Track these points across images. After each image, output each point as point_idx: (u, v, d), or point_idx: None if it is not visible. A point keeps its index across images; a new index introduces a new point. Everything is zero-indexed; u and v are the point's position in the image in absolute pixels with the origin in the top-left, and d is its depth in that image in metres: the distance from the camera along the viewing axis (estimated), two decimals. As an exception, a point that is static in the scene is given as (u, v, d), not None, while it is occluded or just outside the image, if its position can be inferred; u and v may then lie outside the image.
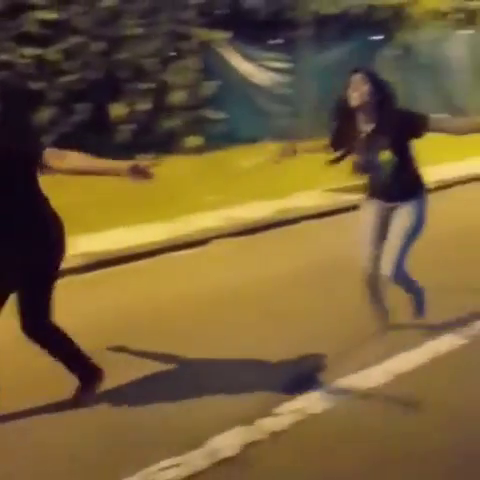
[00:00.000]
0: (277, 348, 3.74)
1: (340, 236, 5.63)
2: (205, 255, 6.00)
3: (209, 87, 10.78)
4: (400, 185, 3.67)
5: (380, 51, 12.46)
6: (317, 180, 7.73)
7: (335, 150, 3.78)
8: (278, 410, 3.04)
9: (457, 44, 14.20)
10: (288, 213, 7.10)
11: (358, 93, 3.52)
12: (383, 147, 3.58)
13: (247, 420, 2.94)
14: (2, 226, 2.91)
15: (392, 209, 3.75)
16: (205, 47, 10.90)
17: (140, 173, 2.78)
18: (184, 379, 3.48)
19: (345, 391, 3.23)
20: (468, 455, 2.68)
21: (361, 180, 3.83)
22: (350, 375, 3.34)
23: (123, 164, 2.82)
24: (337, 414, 3.03)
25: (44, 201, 3.05)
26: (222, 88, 10.81)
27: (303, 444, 2.82)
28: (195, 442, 2.76)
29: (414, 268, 3.75)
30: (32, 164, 2.89)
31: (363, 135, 3.64)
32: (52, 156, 2.85)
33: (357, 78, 3.55)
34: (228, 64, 10.98)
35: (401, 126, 3.57)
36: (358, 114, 3.61)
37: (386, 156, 3.58)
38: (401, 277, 3.75)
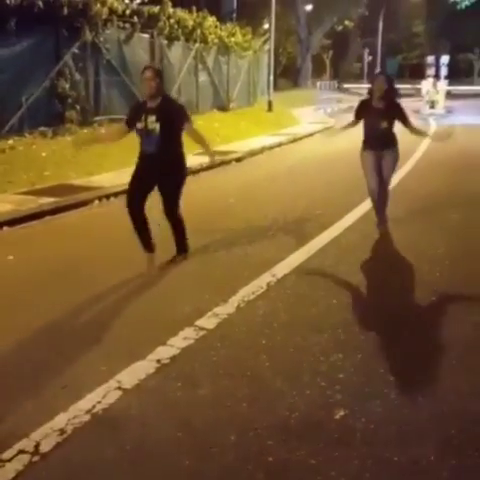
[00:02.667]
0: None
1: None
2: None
3: None
4: (385, 140, 6.43)
5: (67, 48, 12.08)
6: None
7: (357, 119, 6.58)
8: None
9: (139, 46, 14.62)
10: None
11: (379, 89, 6.29)
12: (384, 118, 6.33)
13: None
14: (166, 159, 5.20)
15: (381, 154, 6.46)
16: None
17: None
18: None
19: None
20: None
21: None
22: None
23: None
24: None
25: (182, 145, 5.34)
26: None
27: None
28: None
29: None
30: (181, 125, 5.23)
31: (376, 109, 6.35)
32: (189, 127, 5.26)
33: (380, 79, 6.42)
34: None
35: (395, 109, 6.42)
36: (374, 98, 6.38)
37: (385, 123, 6.34)
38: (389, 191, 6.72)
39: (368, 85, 25.67)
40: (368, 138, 6.54)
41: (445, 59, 30.17)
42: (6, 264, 5.54)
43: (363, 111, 6.54)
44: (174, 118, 5.18)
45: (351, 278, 5.09)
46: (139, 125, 5.17)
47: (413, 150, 12.43)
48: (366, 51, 47.48)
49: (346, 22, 50.48)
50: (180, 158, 5.33)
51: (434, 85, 27.75)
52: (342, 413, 3.03)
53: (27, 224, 6.99)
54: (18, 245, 6.24)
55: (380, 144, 6.45)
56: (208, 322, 4.12)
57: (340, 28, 50.87)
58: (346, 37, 53.14)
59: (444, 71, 29.52)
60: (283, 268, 5.29)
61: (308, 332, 4.02)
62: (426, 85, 28.37)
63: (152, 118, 5.08)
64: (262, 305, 4.47)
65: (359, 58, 53.63)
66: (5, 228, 6.78)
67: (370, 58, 47.84)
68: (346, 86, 43.12)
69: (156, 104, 5.13)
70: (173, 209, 5.37)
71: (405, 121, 6.45)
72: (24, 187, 8.43)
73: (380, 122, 6.34)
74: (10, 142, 10.54)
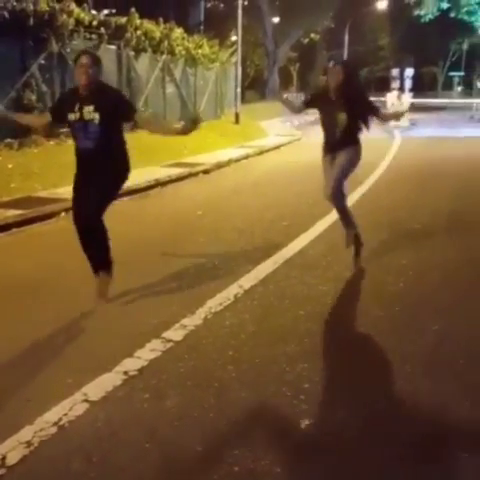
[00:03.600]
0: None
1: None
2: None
3: None
4: (344, 140, 5.44)
5: (33, 58, 12.01)
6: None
7: (307, 106, 5.84)
8: None
9: (106, 58, 14.58)
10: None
11: (335, 80, 5.34)
12: (342, 111, 5.33)
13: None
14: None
15: (336, 154, 5.50)
16: None
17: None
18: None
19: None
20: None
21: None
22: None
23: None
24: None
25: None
26: None
27: None
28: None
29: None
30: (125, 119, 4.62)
31: (333, 101, 5.38)
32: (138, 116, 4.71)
33: (335, 69, 5.40)
34: None
35: (358, 100, 5.43)
36: (331, 91, 5.40)
37: (343, 117, 5.34)
38: (337, 197, 5.57)
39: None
40: (326, 139, 5.62)
41: (409, 72, 30.82)
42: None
43: (318, 101, 5.64)
44: (116, 107, 4.45)
45: (317, 289, 5.17)
46: (72, 116, 4.44)
47: (376, 164, 12.65)
48: (332, 63, 48.19)
49: (312, 35, 51.10)
50: (123, 155, 4.64)
51: (399, 98, 28.33)
52: (307, 422, 3.09)
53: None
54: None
55: (338, 145, 5.51)
56: (175, 334, 4.15)
57: (306, 41, 51.48)
58: (313, 50, 53.78)
59: (408, 84, 30.16)
60: (250, 279, 5.34)
61: (274, 342, 4.07)
62: (391, 98, 28.94)
63: (89, 108, 4.37)
64: (229, 316, 4.52)
65: (325, 70, 54.39)
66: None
67: (336, 71, 48.54)
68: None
69: (92, 91, 4.40)
70: (95, 213, 4.53)
71: (376, 111, 5.45)
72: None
73: (338, 116, 5.37)
74: (-21, 154, 10.45)
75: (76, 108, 4.42)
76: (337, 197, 5.58)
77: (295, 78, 56.90)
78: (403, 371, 3.70)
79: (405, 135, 20.60)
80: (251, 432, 3.01)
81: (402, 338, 4.21)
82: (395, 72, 33.76)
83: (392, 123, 25.36)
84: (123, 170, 4.65)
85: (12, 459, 2.75)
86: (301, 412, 3.19)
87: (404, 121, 26.24)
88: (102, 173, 4.50)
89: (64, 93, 4.68)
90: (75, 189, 4.70)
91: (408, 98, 28.46)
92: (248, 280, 5.32)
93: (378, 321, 4.54)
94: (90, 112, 4.38)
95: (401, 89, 30.41)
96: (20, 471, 2.69)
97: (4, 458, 2.75)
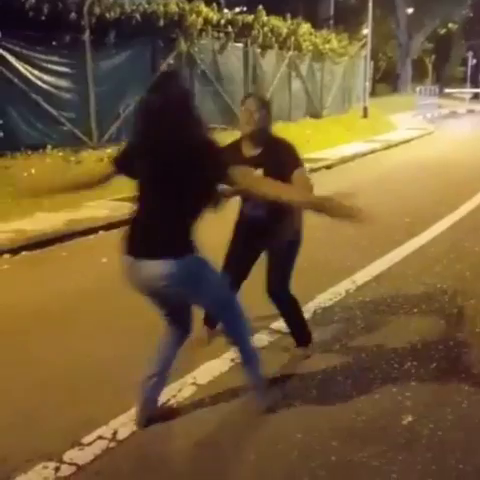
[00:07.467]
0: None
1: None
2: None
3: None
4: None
5: (163, 58, 12.56)
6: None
7: None
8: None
9: (233, 55, 14.94)
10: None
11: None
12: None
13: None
14: None
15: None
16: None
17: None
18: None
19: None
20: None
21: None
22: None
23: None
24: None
25: None
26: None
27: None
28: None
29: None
30: None
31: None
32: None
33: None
34: (3, 65, 9.87)
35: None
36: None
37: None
38: None
39: (472, 90, 23.94)
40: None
41: None
42: (100, 266, 5.88)
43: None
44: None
45: (434, 289, 5.00)
46: None
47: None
48: (470, 54, 45.81)
49: (449, 25, 48.92)
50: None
51: None
52: (410, 419, 3.04)
53: (122, 229, 7.34)
54: (112, 248, 6.57)
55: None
56: (283, 325, 4.18)
57: (443, 31, 49.39)
58: (449, 40, 51.48)
59: None
60: (364, 275, 5.28)
61: (384, 339, 4.02)
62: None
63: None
64: (339, 311, 4.51)
65: (463, 61, 51.77)
66: (101, 232, 7.18)
67: (475, 61, 46.15)
68: (448, 91, 41.74)
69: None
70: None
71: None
72: (120, 193, 8.85)
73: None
74: (108, 151, 11.07)
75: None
76: None
77: (430, 70, 54.81)
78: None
79: None
80: (351, 424, 3.01)
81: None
82: None
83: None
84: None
85: (122, 434, 2.95)
86: (404, 408, 3.14)
87: None
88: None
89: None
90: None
91: None
92: (362, 276, 5.26)
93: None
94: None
95: None
96: (129, 445, 2.88)
97: (115, 433, 2.96)
